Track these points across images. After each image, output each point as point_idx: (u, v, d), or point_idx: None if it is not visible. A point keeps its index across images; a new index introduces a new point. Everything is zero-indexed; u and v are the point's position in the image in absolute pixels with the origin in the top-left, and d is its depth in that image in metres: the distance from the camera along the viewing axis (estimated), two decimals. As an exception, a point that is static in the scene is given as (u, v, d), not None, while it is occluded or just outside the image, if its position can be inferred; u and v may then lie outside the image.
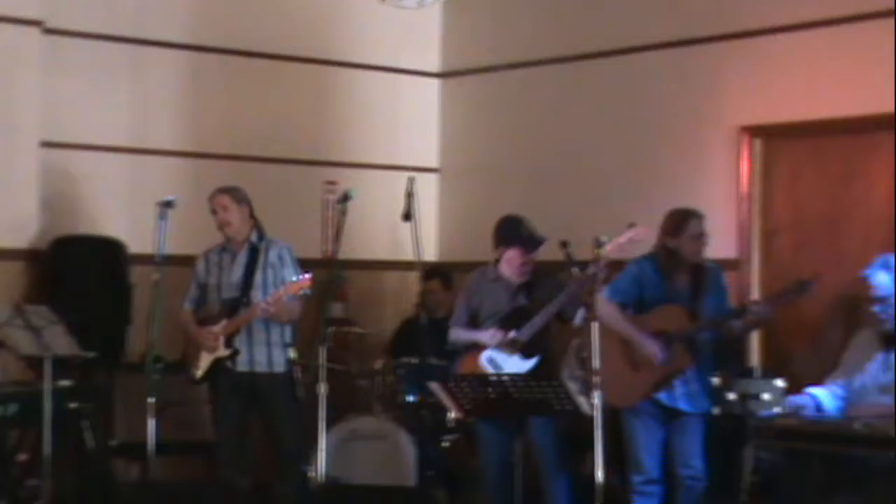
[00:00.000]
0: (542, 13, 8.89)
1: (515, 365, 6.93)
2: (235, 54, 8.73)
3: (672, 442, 6.74)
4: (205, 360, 7.19)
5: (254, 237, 7.25)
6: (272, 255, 7.19)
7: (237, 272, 7.20)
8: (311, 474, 7.16)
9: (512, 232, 7.09)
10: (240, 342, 7.10)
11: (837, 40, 7.49)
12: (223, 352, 7.12)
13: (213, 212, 7.25)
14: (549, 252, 6.95)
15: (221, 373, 7.15)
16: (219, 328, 7.13)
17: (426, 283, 7.87)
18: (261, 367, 7.09)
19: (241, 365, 7.11)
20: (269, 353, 7.10)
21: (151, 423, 6.84)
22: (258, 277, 7.17)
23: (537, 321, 6.95)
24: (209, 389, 7.34)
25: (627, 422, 6.77)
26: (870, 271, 6.42)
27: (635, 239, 6.72)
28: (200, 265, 7.34)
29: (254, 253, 7.20)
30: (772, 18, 7.73)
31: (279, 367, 7.10)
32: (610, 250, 6.66)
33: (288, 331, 7.16)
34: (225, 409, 7.22)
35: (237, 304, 7.15)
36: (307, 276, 6.90)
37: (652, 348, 6.62)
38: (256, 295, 7.13)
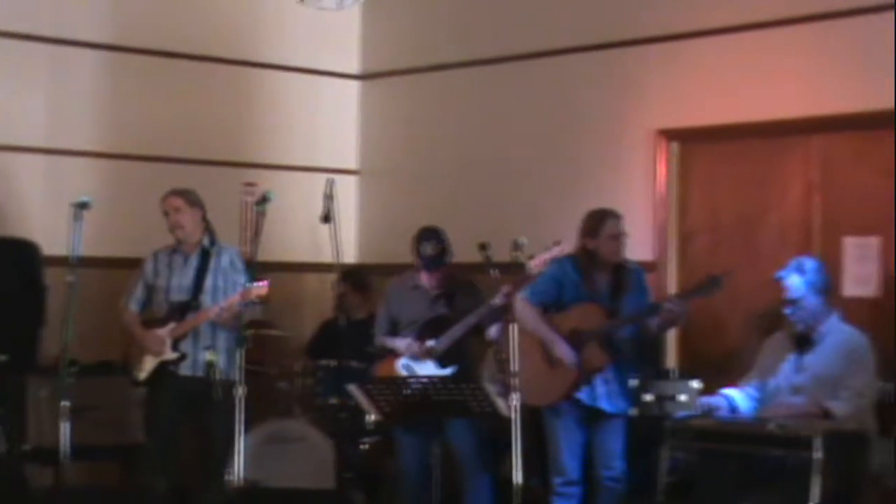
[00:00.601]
0: (462, 16, 8.91)
1: (431, 373, 6.93)
2: (154, 55, 8.64)
3: (593, 443, 6.77)
4: (149, 363, 7.11)
5: (206, 241, 7.18)
6: (224, 260, 7.13)
7: (188, 275, 7.13)
8: (229, 477, 7.11)
9: (416, 251, 7.08)
10: (185, 346, 7.04)
11: (754, 45, 7.57)
12: (170, 355, 7.05)
13: (165, 213, 7.18)
14: (469, 254, 6.95)
15: (164, 376, 7.08)
16: (166, 331, 7.06)
17: (338, 285, 7.85)
18: (204, 371, 7.02)
19: (185, 369, 7.05)
20: (197, 358, 7.02)
21: (65, 427, 6.75)
22: (209, 282, 7.11)
23: (456, 331, 6.97)
24: (147, 392, 7.25)
25: (548, 422, 6.80)
26: (783, 273, 6.48)
27: (560, 255, 6.76)
28: (149, 266, 7.26)
29: (205, 257, 7.14)
30: (690, 23, 7.80)
31: (223, 374, 7.02)
32: (534, 265, 6.72)
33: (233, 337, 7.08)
34: (163, 412, 7.14)
35: (186, 307, 7.08)
36: (264, 283, 6.83)
37: (564, 352, 6.64)
38: (206, 299, 7.07)
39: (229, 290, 6.99)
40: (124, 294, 7.32)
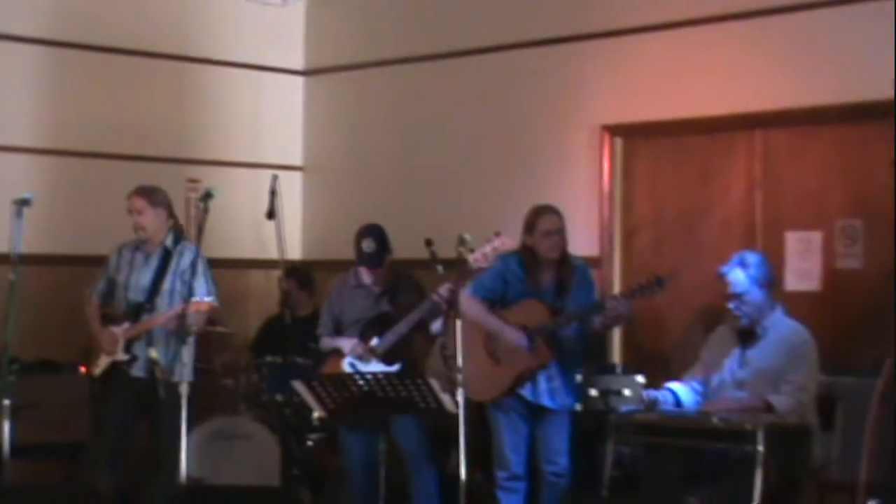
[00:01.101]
0: (406, 11, 8.90)
1: (377, 370, 6.92)
2: (96, 50, 8.56)
3: (537, 438, 6.78)
4: (103, 361, 7.07)
5: (169, 241, 7.11)
6: (184, 262, 7.02)
7: (146, 276, 7.07)
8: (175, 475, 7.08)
9: (357, 248, 7.03)
10: (139, 347, 6.98)
11: (696, 41, 7.62)
12: (121, 356, 7.00)
13: (129, 212, 7.12)
14: (413, 250, 6.95)
15: (117, 375, 7.03)
16: (120, 331, 7.01)
17: (284, 282, 7.83)
18: (148, 370, 6.96)
19: (137, 370, 6.99)
20: (167, 362, 6.97)
21: (7, 426, 6.68)
22: (167, 284, 7.04)
23: (399, 329, 6.96)
24: (100, 389, 7.19)
25: (493, 418, 6.81)
26: (726, 269, 6.51)
27: (500, 248, 6.76)
28: (112, 260, 7.20)
29: (167, 257, 7.07)
30: (633, 19, 7.83)
31: (176, 377, 6.96)
32: (475, 259, 6.71)
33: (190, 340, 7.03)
34: (114, 411, 7.09)
35: (141, 309, 7.03)
36: (209, 299, 6.78)
37: (514, 337, 6.65)
38: (162, 302, 7.02)
39: (185, 294, 6.91)
40: (91, 284, 7.27)
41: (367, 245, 7.00)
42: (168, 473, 6.83)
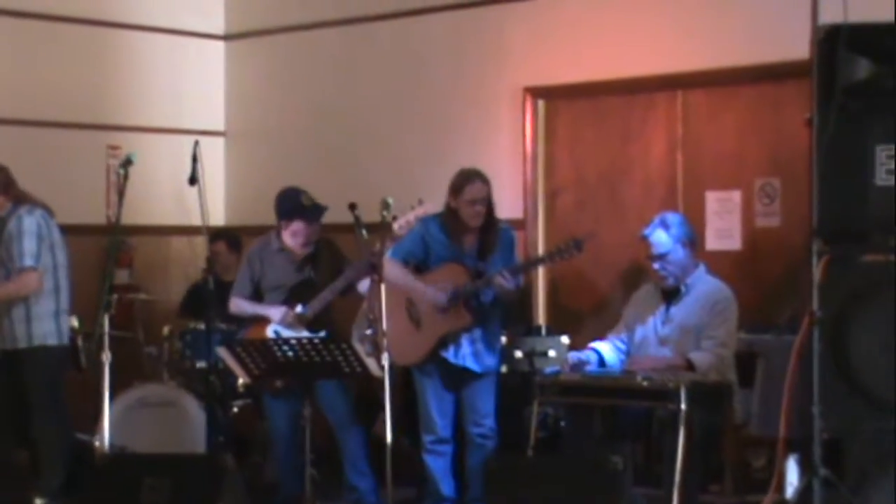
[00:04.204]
0: (327, -26, 8.85)
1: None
2: (13, 15, 8.42)
3: (462, 401, 6.79)
4: None
5: (6, 211, 6.90)
6: (11, 227, 6.83)
7: None
8: (97, 444, 7.04)
9: (293, 204, 7.05)
10: None
11: (616, 3, 7.64)
12: None
13: None
14: (337, 215, 6.95)
15: None
16: None
17: (211, 245, 7.78)
18: (22, 342, 6.86)
19: (3, 342, 6.88)
20: (28, 329, 6.88)
21: None
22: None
23: (325, 296, 6.96)
24: None
25: (418, 382, 6.82)
26: (648, 230, 6.55)
27: (422, 215, 6.76)
28: None
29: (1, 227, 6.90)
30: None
31: (38, 340, 6.84)
32: (399, 227, 6.73)
33: (64, 297, 6.93)
34: None
35: None
36: (28, 263, 6.70)
37: (433, 294, 6.64)
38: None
39: (7, 262, 6.82)
40: None
41: (307, 199, 6.99)
42: (53, 444, 6.77)
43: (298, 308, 6.98)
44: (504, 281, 6.52)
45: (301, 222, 7.02)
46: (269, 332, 6.98)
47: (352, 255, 7.04)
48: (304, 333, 6.85)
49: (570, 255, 6.52)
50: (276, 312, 7.02)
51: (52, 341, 6.89)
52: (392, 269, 6.64)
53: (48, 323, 6.89)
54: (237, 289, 7.19)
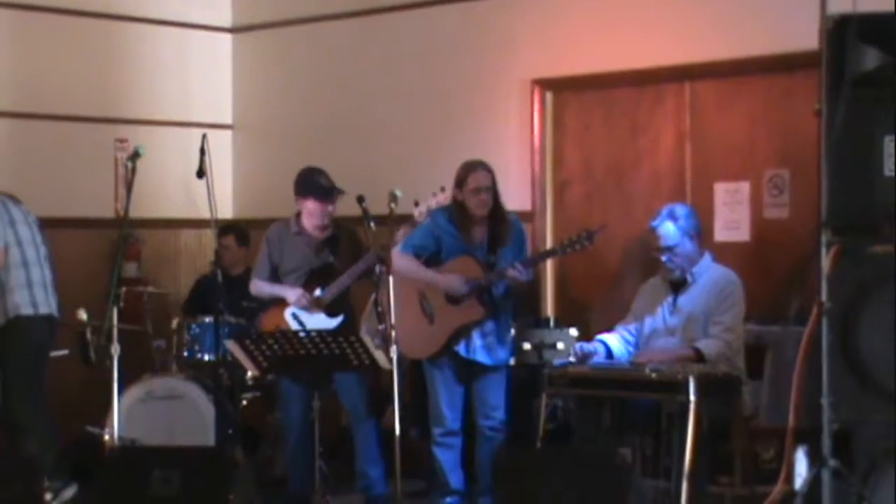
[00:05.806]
0: (334, -33, 8.84)
1: (320, 323, 6.93)
2: (21, 9, 8.44)
3: (473, 394, 6.80)
4: None
5: None
6: None
7: None
8: (106, 437, 7.05)
9: (307, 182, 7.07)
10: None
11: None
12: None
13: None
14: (346, 207, 6.95)
15: None
16: None
17: (220, 238, 7.79)
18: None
19: None
20: (2, 305, 6.82)
21: None
22: None
23: (344, 280, 6.96)
24: None
25: (429, 374, 6.82)
26: (657, 222, 6.55)
27: (443, 202, 6.77)
28: None
29: None
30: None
31: (12, 312, 6.81)
32: (419, 214, 6.75)
33: (35, 271, 6.90)
34: None
35: None
36: None
37: (453, 283, 6.64)
38: None
39: None
40: None
41: (325, 179, 6.99)
42: (38, 431, 6.76)
43: (317, 292, 6.99)
44: (517, 273, 6.52)
45: (314, 201, 7.01)
46: (288, 314, 6.99)
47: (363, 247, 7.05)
48: (322, 317, 6.88)
49: (583, 248, 6.53)
50: (292, 294, 7.02)
51: (26, 311, 6.84)
52: (405, 262, 6.64)
53: (19, 294, 6.84)
54: (257, 271, 7.21)
